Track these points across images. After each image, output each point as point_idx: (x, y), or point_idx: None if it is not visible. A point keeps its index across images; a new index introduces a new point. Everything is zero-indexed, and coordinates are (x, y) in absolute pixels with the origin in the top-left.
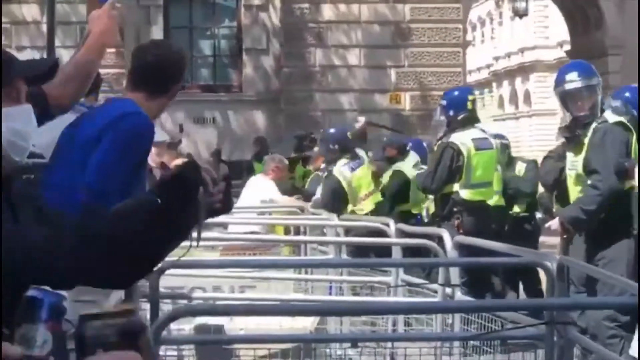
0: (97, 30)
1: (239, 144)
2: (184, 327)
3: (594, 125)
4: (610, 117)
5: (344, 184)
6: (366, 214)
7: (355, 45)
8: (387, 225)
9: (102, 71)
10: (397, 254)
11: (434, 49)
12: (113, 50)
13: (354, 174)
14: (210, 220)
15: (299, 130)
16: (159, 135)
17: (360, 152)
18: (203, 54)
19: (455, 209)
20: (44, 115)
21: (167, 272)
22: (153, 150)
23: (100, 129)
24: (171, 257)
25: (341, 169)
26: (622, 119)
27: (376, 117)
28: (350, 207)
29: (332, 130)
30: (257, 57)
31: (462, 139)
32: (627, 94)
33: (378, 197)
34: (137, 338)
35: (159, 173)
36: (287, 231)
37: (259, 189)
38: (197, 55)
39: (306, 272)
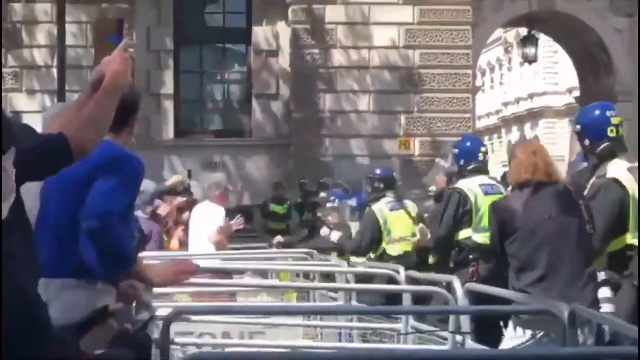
0: (111, 71)
1: (249, 189)
2: None
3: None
4: None
5: (380, 221)
6: (395, 257)
7: (365, 91)
8: (397, 272)
9: None
10: (407, 301)
11: (444, 94)
12: None
13: (393, 213)
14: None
15: (308, 175)
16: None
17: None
18: (213, 98)
19: (471, 256)
20: (65, 160)
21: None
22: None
23: (93, 170)
24: (180, 303)
25: (381, 206)
26: None
27: (386, 162)
28: (383, 246)
29: (378, 170)
30: (266, 102)
31: (469, 184)
32: None
33: (408, 246)
34: None
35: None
36: (297, 276)
37: (209, 215)
38: (208, 100)
39: (316, 319)
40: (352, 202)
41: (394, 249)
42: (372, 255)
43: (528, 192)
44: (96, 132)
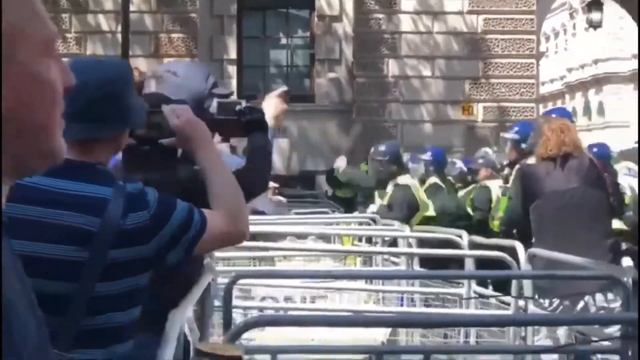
0: (269, 114)
1: (311, 154)
2: (254, 336)
3: None
4: None
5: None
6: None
7: (428, 57)
8: (460, 237)
9: None
10: (469, 265)
11: (508, 60)
12: (187, 60)
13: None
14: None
15: (371, 140)
16: None
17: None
18: (276, 64)
19: None
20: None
21: (240, 282)
22: None
23: None
24: (244, 267)
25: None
26: None
27: (450, 128)
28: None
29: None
30: (330, 67)
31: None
32: None
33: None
34: None
35: None
36: (358, 241)
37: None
38: (271, 65)
39: (378, 283)
40: (426, 156)
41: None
42: None
43: (553, 163)
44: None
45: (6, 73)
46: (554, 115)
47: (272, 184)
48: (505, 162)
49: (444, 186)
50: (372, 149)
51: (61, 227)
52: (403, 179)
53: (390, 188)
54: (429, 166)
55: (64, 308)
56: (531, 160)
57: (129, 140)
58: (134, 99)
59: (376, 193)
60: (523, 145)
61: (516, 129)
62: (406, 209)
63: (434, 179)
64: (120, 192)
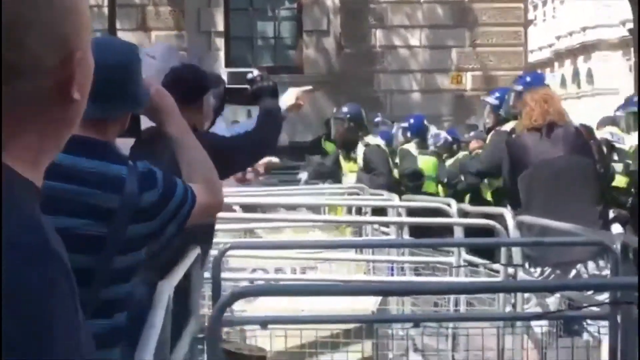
0: (285, 102)
1: (299, 125)
2: (245, 307)
3: None
4: None
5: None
6: None
7: (416, 26)
8: (449, 205)
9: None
10: (459, 234)
11: (496, 28)
12: (174, 32)
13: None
14: (270, 202)
15: None
16: None
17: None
18: (264, 35)
19: None
20: None
21: (229, 253)
22: None
23: None
24: (232, 239)
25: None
26: None
27: (438, 98)
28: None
29: (345, 108)
30: (317, 38)
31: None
32: None
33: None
34: None
35: None
36: (348, 211)
37: None
38: (258, 37)
39: (368, 253)
40: (405, 123)
41: None
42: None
43: (539, 133)
44: None
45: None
46: (528, 79)
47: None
48: (482, 128)
49: (414, 154)
50: (334, 110)
51: (83, 204)
52: (372, 139)
53: (360, 148)
54: (406, 133)
55: (85, 280)
56: (507, 127)
57: None
58: (141, 80)
59: (340, 156)
60: (501, 112)
61: (497, 94)
62: (386, 168)
63: (406, 146)
64: (134, 171)
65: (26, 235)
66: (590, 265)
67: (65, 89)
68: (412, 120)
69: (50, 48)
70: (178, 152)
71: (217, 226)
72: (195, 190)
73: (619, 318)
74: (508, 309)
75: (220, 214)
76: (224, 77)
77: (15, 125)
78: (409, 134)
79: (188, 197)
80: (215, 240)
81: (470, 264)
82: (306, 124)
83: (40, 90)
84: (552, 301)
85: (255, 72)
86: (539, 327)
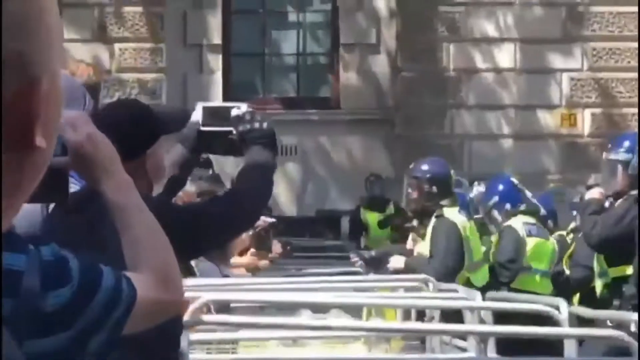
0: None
1: (334, 186)
2: None
3: None
4: None
5: (462, 233)
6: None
7: (507, 39)
8: (557, 308)
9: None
10: (570, 350)
11: (626, 43)
12: (148, 45)
13: (469, 224)
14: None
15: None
16: None
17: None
18: (281, 51)
19: None
20: None
21: None
22: None
23: None
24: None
25: (455, 214)
26: None
27: (540, 146)
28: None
29: (425, 166)
30: (362, 56)
31: None
32: None
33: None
34: None
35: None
36: (406, 314)
37: None
38: (272, 54)
39: None
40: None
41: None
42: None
43: None
44: None
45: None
46: None
47: (264, 222)
48: (610, 193)
49: (520, 234)
50: (411, 166)
51: None
52: (450, 211)
53: (432, 222)
54: (488, 201)
55: None
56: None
57: None
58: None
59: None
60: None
61: (626, 143)
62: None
63: (513, 222)
64: (36, 260)
65: None
66: None
67: (25, 133)
68: (500, 187)
69: (2, 76)
70: (119, 226)
71: (207, 336)
72: (139, 282)
73: None
74: None
75: (213, 317)
76: (198, 114)
77: None
78: (492, 202)
79: (122, 293)
80: (208, 357)
81: None
82: (343, 184)
83: None
84: None
85: (244, 108)
86: None
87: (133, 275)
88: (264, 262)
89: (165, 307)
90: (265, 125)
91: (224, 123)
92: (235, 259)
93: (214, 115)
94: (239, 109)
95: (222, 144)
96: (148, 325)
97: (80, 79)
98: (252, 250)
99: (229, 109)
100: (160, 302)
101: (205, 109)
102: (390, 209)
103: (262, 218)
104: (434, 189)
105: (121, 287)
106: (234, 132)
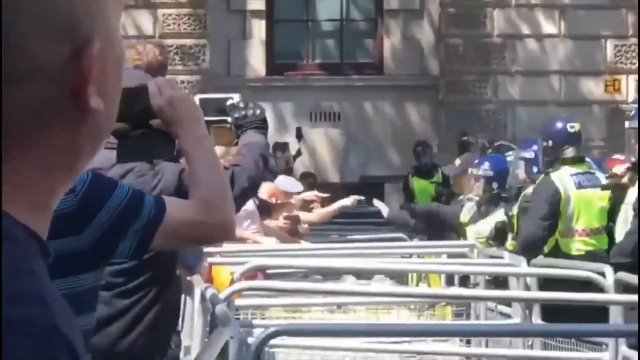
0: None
1: (377, 153)
2: None
3: None
4: None
5: (563, 197)
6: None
7: (551, 5)
8: (603, 274)
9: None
10: (616, 317)
11: None
12: (188, 10)
13: (583, 192)
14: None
15: (467, 129)
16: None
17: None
18: (324, 17)
19: None
20: None
21: (273, 342)
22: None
23: None
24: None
25: (564, 177)
26: None
27: (585, 112)
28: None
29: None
30: (406, 22)
31: None
32: None
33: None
34: None
35: None
36: (449, 281)
37: None
38: (316, 19)
39: (479, 344)
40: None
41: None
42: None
43: None
44: None
45: None
46: None
47: (312, 195)
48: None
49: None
50: (476, 161)
51: None
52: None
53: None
54: (531, 166)
55: None
56: None
57: (122, 125)
58: None
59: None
60: None
61: None
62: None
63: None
64: None
65: (25, 309)
66: None
67: (78, 95)
68: (535, 148)
69: (52, 41)
70: (190, 168)
71: (258, 301)
72: (183, 205)
73: None
74: None
75: (260, 283)
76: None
77: (11, 150)
78: (534, 169)
79: (144, 207)
80: (256, 321)
81: None
82: (387, 150)
83: (41, 100)
84: None
85: (237, 98)
86: None
87: (181, 201)
88: (304, 227)
89: (208, 229)
90: (258, 111)
91: (220, 114)
92: (268, 222)
93: (210, 106)
94: (233, 99)
95: (216, 134)
96: (188, 243)
97: (146, 59)
98: (284, 214)
99: (224, 100)
100: (198, 223)
101: (201, 100)
102: (438, 176)
103: (315, 192)
104: (494, 185)
105: (142, 201)
106: (229, 120)
